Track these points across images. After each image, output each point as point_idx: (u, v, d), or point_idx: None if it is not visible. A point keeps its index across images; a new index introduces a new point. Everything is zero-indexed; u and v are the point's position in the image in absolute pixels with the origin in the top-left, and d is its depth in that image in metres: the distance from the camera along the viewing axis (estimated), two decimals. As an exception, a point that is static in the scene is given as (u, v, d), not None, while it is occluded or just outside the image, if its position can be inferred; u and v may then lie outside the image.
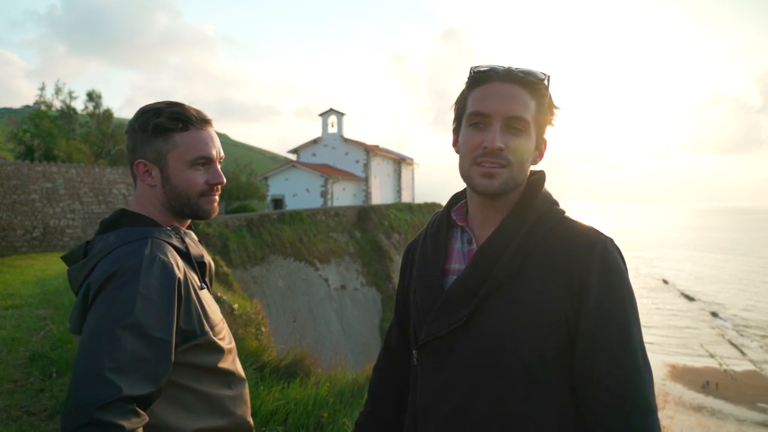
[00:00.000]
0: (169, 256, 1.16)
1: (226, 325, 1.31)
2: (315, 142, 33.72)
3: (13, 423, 3.50)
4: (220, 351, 1.23)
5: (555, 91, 1.17)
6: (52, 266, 11.38)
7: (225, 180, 1.31)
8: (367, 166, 32.92)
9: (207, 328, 1.19)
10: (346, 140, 33.29)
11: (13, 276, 9.97)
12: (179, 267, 1.16)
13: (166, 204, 1.27)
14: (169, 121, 1.23)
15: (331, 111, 33.72)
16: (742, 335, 30.87)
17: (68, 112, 26.29)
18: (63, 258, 1.25)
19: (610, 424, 0.99)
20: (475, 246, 1.17)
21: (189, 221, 1.35)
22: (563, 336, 1.03)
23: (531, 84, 1.10)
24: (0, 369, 4.53)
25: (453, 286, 1.13)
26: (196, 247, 1.29)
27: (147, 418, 0.98)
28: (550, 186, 1.21)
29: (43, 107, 25.78)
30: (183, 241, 1.25)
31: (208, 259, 1.33)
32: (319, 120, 33.97)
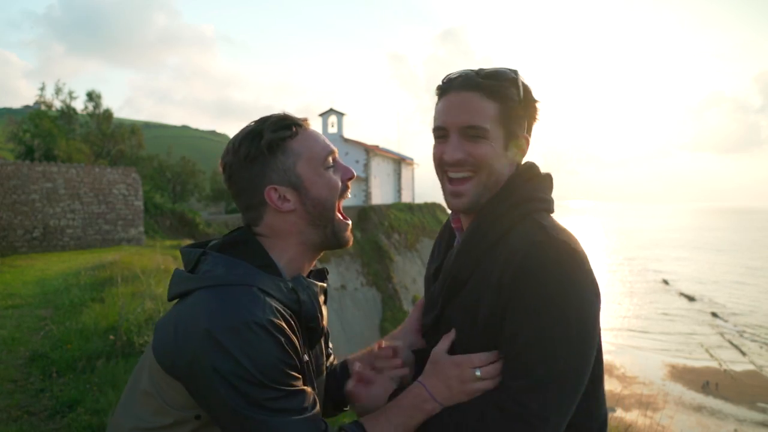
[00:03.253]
0: (270, 318, 0.96)
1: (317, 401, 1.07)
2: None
3: (13, 423, 3.50)
4: None
5: (538, 85, 1.11)
6: (52, 266, 11.38)
7: (355, 172, 1.19)
8: (367, 166, 32.93)
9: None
10: (346, 140, 33.30)
11: (13, 276, 9.97)
12: (282, 332, 0.97)
13: (309, 230, 1.10)
14: (278, 133, 1.07)
15: (331, 111, 33.74)
16: (742, 335, 30.88)
17: (68, 112, 26.29)
18: (182, 249, 1.12)
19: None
20: None
21: (315, 258, 1.16)
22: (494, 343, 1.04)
23: (489, 87, 1.08)
24: (0, 369, 4.53)
25: (431, 290, 1.23)
26: (312, 308, 1.07)
27: None
28: None
29: (43, 107, 25.77)
30: (298, 299, 1.05)
31: (324, 323, 1.13)
32: (319, 120, 34.00)
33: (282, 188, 1.07)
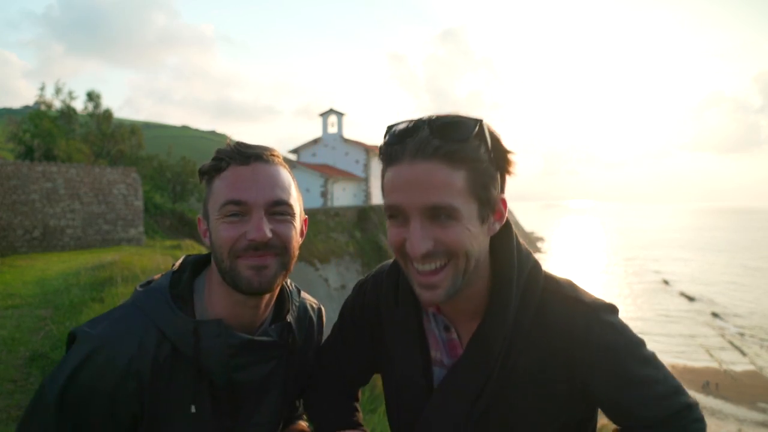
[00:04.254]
0: (135, 358, 0.93)
1: None
2: (315, 142, 33.73)
3: (13, 423, 3.50)
4: None
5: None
6: (52, 266, 11.38)
7: (268, 236, 0.97)
8: (367, 166, 32.92)
9: None
10: (346, 140, 33.29)
11: (13, 276, 9.97)
12: (143, 375, 0.94)
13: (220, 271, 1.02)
14: (210, 163, 1.02)
15: (331, 111, 33.73)
16: (742, 335, 30.87)
17: (68, 112, 26.28)
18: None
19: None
20: (455, 335, 1.03)
21: (261, 305, 1.06)
22: (568, 414, 1.01)
23: (451, 153, 0.86)
24: (0, 369, 4.53)
25: (448, 390, 1.00)
26: (217, 359, 0.97)
27: None
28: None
29: (43, 107, 25.77)
30: (196, 344, 0.96)
31: (243, 374, 1.02)
32: (319, 120, 34.00)
33: (203, 221, 1.05)
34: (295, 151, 34.27)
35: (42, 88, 26.39)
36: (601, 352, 0.96)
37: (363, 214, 25.72)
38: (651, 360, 1.01)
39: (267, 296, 1.06)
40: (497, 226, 0.96)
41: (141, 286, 1.05)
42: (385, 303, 1.11)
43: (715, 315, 35.67)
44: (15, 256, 13.63)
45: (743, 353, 27.38)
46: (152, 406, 0.95)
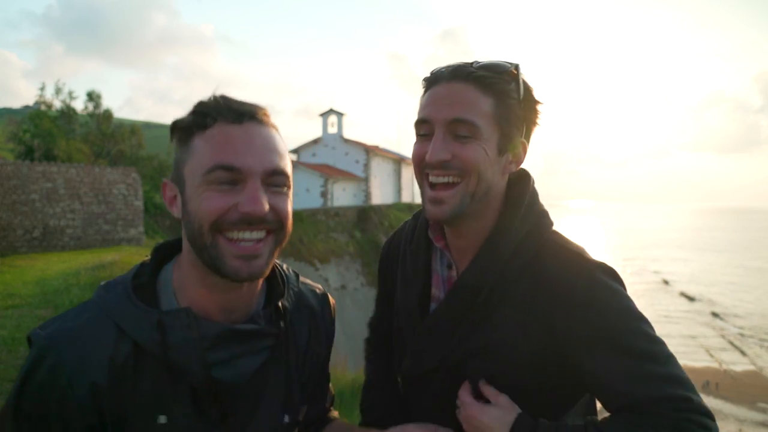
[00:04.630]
0: (87, 360, 0.80)
1: None
2: (315, 142, 33.73)
3: (13, 423, 3.50)
4: None
5: (540, 85, 0.97)
6: (52, 266, 11.37)
7: (265, 209, 0.82)
8: (367, 166, 32.92)
9: None
10: (346, 140, 33.29)
11: (13, 276, 9.96)
12: (99, 378, 0.80)
13: (194, 249, 0.85)
14: (188, 117, 0.85)
15: (331, 111, 33.73)
16: (742, 335, 30.87)
17: (68, 112, 26.29)
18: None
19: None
20: (455, 273, 1.06)
21: (244, 292, 0.91)
22: (552, 376, 0.95)
23: (482, 79, 0.93)
24: (0, 369, 4.52)
25: (430, 321, 1.04)
26: (186, 353, 0.82)
27: None
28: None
29: (43, 107, 25.77)
30: (163, 340, 0.82)
31: (224, 371, 0.86)
32: (319, 120, 33.99)
33: (173, 186, 0.88)
34: (295, 151, 34.26)
35: (42, 88, 26.40)
36: (587, 311, 0.89)
37: (363, 214, 25.71)
38: (650, 336, 0.89)
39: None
40: (513, 167, 1.00)
41: (104, 282, 0.91)
42: (404, 241, 1.17)
43: (715, 315, 35.66)
44: (15, 256, 13.62)
45: (743, 353, 27.38)
46: (115, 416, 0.81)
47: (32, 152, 21.09)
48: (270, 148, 0.84)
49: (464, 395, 0.98)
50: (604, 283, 0.92)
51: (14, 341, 5.35)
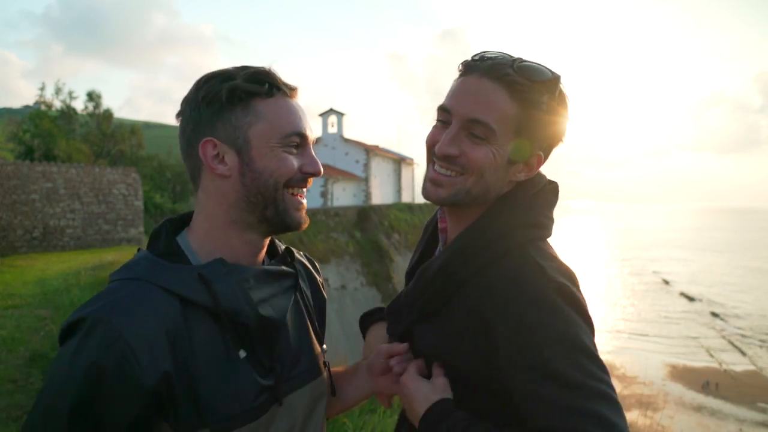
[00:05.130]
0: (144, 326, 0.80)
1: (280, 411, 0.93)
2: (315, 142, 33.56)
3: (13, 423, 3.50)
4: None
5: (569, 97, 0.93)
6: (52, 266, 11.38)
7: (322, 170, 0.98)
8: (367, 166, 32.93)
9: (199, 424, 0.83)
10: (346, 140, 33.31)
11: (13, 276, 9.97)
12: (160, 341, 0.81)
13: (242, 205, 0.92)
14: (248, 84, 0.90)
15: (331, 111, 33.73)
16: (742, 335, 30.89)
17: (68, 112, 26.32)
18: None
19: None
20: None
21: (266, 243, 0.99)
22: (488, 382, 0.92)
23: (515, 85, 0.90)
24: (0, 369, 4.53)
25: (397, 298, 1.10)
26: (234, 298, 0.87)
27: None
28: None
29: (43, 107, 25.80)
30: (210, 290, 0.86)
31: (270, 310, 0.91)
32: (319, 120, 34.00)
33: (223, 146, 0.90)
34: (295, 151, 34.23)
35: (42, 88, 26.44)
36: (523, 328, 0.85)
37: (363, 214, 25.71)
38: (585, 369, 0.83)
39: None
40: (522, 176, 0.99)
41: (113, 273, 0.91)
42: (427, 225, 1.23)
43: (715, 315, 35.67)
44: (15, 256, 13.64)
45: (743, 353, 27.39)
46: (179, 371, 0.82)
47: (32, 152, 21.11)
48: (308, 121, 0.98)
49: (412, 367, 1.02)
50: (554, 304, 0.87)
51: (14, 341, 5.36)
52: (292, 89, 0.95)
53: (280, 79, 0.93)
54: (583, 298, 0.92)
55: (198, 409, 0.83)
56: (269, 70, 0.93)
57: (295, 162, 0.93)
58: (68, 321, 0.85)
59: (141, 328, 0.80)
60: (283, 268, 0.99)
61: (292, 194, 0.94)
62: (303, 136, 0.94)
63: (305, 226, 0.97)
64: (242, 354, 0.88)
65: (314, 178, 0.98)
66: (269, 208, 0.92)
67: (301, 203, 0.96)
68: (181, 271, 0.87)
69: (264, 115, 0.90)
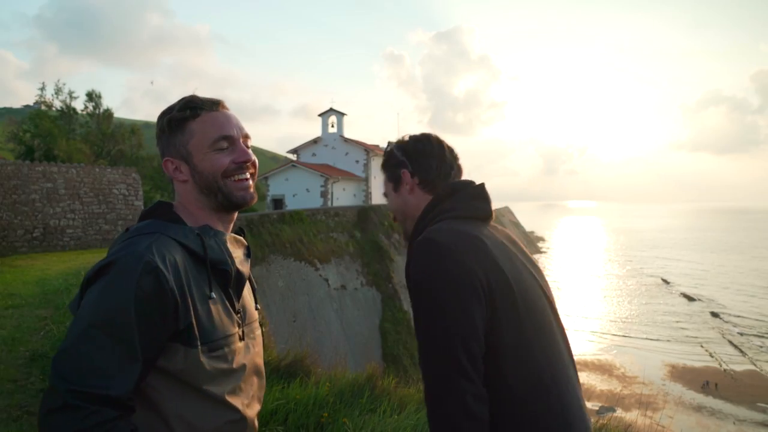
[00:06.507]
0: (167, 258, 1.09)
1: (241, 346, 1.21)
2: (315, 142, 33.71)
3: (13, 423, 3.50)
4: (210, 372, 1.12)
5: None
6: (52, 266, 11.38)
7: (254, 158, 1.27)
8: (367, 166, 32.92)
9: (198, 342, 1.10)
10: (346, 140, 33.29)
11: (13, 276, 9.96)
12: (179, 270, 1.10)
13: (202, 197, 1.24)
14: (179, 113, 1.22)
15: (331, 111, 33.71)
16: (742, 335, 30.89)
17: (68, 112, 26.30)
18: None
19: None
20: None
21: (232, 218, 1.32)
22: None
23: (382, 167, 1.59)
24: (0, 369, 4.53)
25: None
26: (220, 252, 1.20)
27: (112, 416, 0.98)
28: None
29: (43, 107, 25.80)
30: (202, 243, 1.17)
31: (240, 267, 1.25)
32: (319, 120, 33.98)
33: (176, 161, 1.24)
34: (294, 151, 34.26)
35: (42, 88, 26.43)
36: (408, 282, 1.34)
37: (363, 214, 25.69)
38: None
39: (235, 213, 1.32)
40: (407, 188, 1.52)
41: (129, 231, 1.19)
42: None
43: (715, 315, 35.68)
44: (15, 256, 13.63)
45: (743, 353, 27.39)
46: (184, 295, 1.10)
47: (32, 152, 21.11)
48: (238, 122, 1.28)
49: None
50: (414, 266, 1.31)
51: (14, 341, 5.35)
52: (217, 103, 1.26)
53: (204, 101, 1.24)
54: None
55: (199, 328, 1.11)
56: (193, 97, 1.25)
57: (226, 158, 1.22)
58: (99, 265, 1.08)
59: (166, 263, 1.08)
60: (242, 238, 1.33)
61: (235, 180, 1.24)
62: (229, 137, 1.23)
63: (253, 201, 1.29)
64: (213, 295, 1.16)
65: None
66: (218, 194, 1.23)
67: (245, 184, 1.25)
68: (184, 229, 1.18)
69: (194, 132, 1.22)
